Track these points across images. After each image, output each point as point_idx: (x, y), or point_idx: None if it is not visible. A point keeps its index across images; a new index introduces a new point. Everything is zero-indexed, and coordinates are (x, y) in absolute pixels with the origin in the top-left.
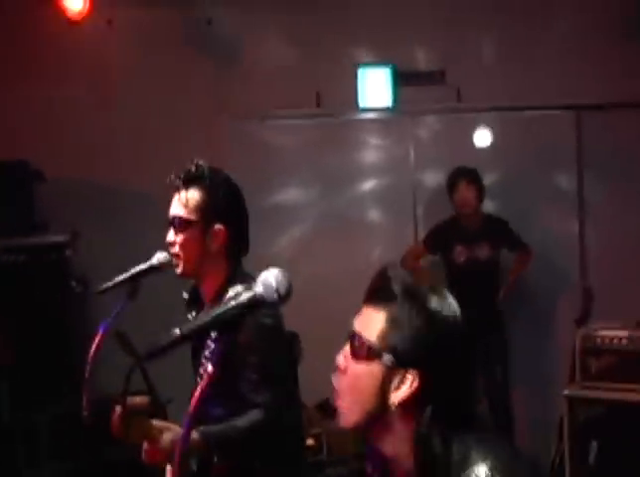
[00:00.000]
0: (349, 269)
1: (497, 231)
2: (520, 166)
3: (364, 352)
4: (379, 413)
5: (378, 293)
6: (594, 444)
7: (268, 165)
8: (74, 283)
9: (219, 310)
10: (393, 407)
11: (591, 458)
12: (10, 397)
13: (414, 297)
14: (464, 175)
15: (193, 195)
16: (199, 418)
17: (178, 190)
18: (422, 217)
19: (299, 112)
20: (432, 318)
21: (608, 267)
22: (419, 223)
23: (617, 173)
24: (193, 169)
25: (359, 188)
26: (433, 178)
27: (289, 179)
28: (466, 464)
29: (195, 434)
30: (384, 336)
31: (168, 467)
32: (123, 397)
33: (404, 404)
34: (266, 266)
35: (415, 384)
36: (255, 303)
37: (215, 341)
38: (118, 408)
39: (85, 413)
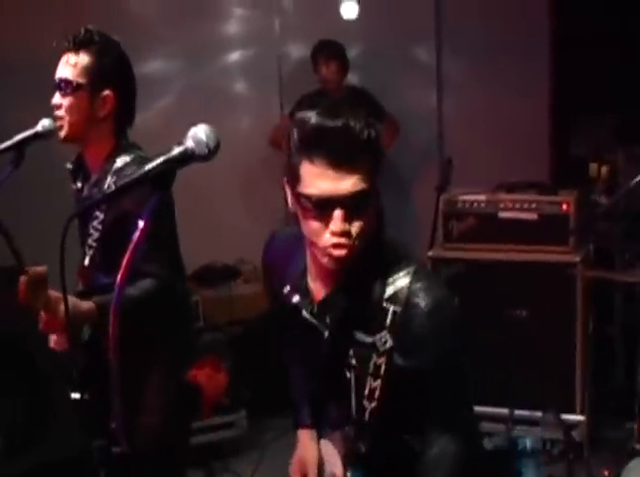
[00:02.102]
0: None
1: (361, 102)
2: (381, 38)
3: (369, 203)
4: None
5: (345, 152)
6: (455, 300)
7: (129, 36)
8: None
9: (150, 165)
10: None
11: None
12: None
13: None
14: (324, 51)
15: (82, 58)
16: (88, 289)
17: (67, 53)
18: (288, 88)
19: None
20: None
21: (465, 137)
22: (285, 94)
23: (474, 44)
24: (83, 33)
25: (224, 59)
26: (298, 49)
27: (151, 51)
28: (393, 269)
29: (88, 304)
30: (372, 173)
31: (52, 336)
32: (23, 267)
33: None
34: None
35: None
36: (186, 157)
37: (102, 211)
38: (23, 278)
39: None
